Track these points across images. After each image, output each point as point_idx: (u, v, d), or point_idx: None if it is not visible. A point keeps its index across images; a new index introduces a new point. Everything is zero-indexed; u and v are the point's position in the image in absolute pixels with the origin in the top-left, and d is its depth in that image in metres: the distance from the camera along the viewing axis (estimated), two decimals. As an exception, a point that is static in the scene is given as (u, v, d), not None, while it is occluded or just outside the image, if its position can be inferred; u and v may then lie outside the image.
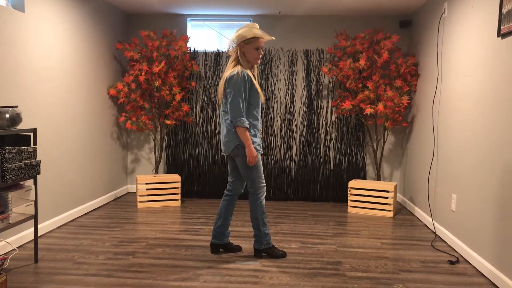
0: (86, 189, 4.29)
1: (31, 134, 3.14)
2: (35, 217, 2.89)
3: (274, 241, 3.48)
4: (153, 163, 5.30)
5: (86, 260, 2.99)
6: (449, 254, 3.28)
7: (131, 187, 5.38)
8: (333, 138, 5.10)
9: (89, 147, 4.33)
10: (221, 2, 4.52)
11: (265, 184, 3.06)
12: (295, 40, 5.08)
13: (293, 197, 5.12)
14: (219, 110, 5.13)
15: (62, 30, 3.77)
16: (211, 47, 5.18)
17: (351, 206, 4.57)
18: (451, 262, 3.07)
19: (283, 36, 5.09)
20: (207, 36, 5.23)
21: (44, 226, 3.58)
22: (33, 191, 2.88)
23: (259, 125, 3.04)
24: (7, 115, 2.65)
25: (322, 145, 5.11)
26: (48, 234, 3.57)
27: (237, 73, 2.86)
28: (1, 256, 2.86)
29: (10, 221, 2.69)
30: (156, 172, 4.90)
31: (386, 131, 4.78)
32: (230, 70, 2.94)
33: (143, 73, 4.58)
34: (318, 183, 5.10)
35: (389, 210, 4.40)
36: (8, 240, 3.12)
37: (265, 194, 3.07)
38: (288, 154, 5.14)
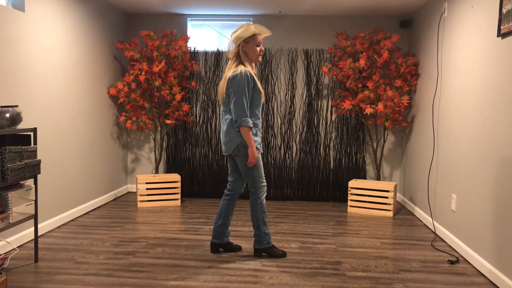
0: (86, 188, 4.29)
1: (31, 133, 3.15)
2: (35, 217, 2.89)
3: (274, 240, 3.48)
4: (153, 162, 5.30)
5: (86, 259, 3.00)
6: (449, 254, 3.28)
7: (131, 187, 5.38)
8: (333, 137, 5.10)
9: (89, 146, 4.33)
10: (221, 2, 4.52)
11: (265, 184, 3.06)
12: (295, 40, 5.09)
13: (293, 196, 5.12)
14: (219, 110, 5.14)
15: (62, 30, 3.77)
16: (211, 47, 5.18)
17: (351, 206, 4.57)
18: (451, 262, 3.08)
19: (283, 36, 5.09)
20: (207, 36, 5.23)
21: (44, 226, 3.58)
22: (33, 191, 2.88)
23: (260, 124, 3.04)
24: (7, 115, 2.65)
25: (322, 145, 5.11)
26: (48, 233, 3.57)
27: (240, 72, 2.86)
28: (1, 256, 2.86)
29: (10, 221, 2.69)
30: (156, 172, 4.91)
31: (386, 131, 4.79)
32: (232, 70, 2.94)
33: (143, 73, 4.58)
34: (318, 183, 5.11)
35: (389, 210, 4.40)
36: (8, 239, 3.12)
37: (265, 194, 3.08)
38: (288, 154, 5.14)
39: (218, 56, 5.12)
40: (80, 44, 4.09)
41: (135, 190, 5.35)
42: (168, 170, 5.22)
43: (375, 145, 4.98)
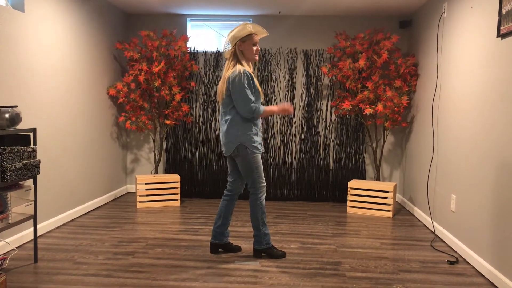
0: (85, 189, 4.29)
1: (31, 134, 3.14)
2: (34, 217, 2.89)
3: (274, 241, 3.48)
4: (153, 163, 5.30)
5: (86, 260, 2.99)
6: (449, 254, 3.28)
7: (130, 187, 5.38)
8: (333, 138, 5.10)
9: (88, 147, 4.33)
10: (221, 2, 4.52)
11: (265, 184, 3.06)
12: (294, 40, 5.09)
13: (293, 197, 5.12)
14: (218, 110, 5.13)
15: (62, 30, 3.77)
16: (211, 47, 5.18)
17: (350, 206, 4.57)
18: (451, 262, 3.08)
19: (283, 36, 5.09)
20: (206, 36, 5.23)
21: (44, 226, 3.58)
22: (32, 191, 2.88)
23: (260, 124, 3.05)
24: (7, 115, 2.64)
25: (322, 145, 5.11)
26: (48, 234, 3.57)
27: (239, 72, 2.87)
28: (0, 256, 2.86)
29: (10, 221, 2.69)
30: (156, 172, 4.90)
31: (385, 131, 4.79)
32: (230, 70, 2.94)
33: (142, 73, 4.58)
34: (317, 183, 5.11)
35: (389, 210, 4.40)
36: (8, 240, 3.12)
37: (265, 194, 3.08)
38: (288, 154, 5.14)
39: (217, 57, 5.12)
40: (79, 44, 4.09)
41: (134, 191, 5.35)
42: (167, 171, 5.22)
43: (374, 145, 4.98)
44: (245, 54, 2.97)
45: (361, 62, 4.49)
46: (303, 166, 5.11)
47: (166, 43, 4.68)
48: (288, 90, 5.10)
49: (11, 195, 2.70)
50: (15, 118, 2.71)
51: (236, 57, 2.96)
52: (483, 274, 2.87)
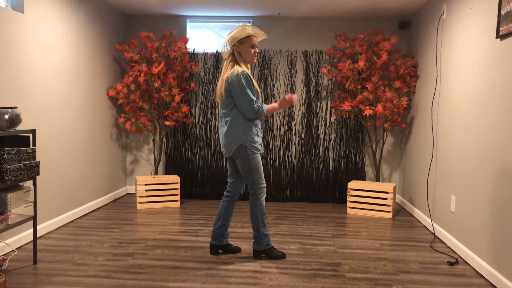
0: (85, 190, 4.29)
1: (30, 135, 3.14)
2: (34, 218, 2.88)
3: (274, 242, 3.48)
4: (153, 164, 5.30)
5: (85, 261, 2.99)
6: (448, 255, 3.28)
7: (130, 188, 5.37)
8: (332, 139, 5.11)
9: (88, 148, 4.33)
10: (221, 4, 4.52)
11: (265, 185, 3.06)
12: (294, 41, 5.09)
13: (293, 198, 5.12)
14: (218, 111, 5.14)
15: (61, 31, 3.77)
16: (211, 48, 5.19)
17: (350, 207, 4.57)
18: (450, 263, 3.08)
19: (283, 37, 5.09)
20: (206, 37, 5.24)
21: (43, 227, 3.57)
22: (32, 192, 2.88)
23: (260, 125, 3.05)
24: (6, 116, 2.65)
25: (321, 146, 5.11)
26: (47, 235, 3.56)
27: (238, 73, 2.88)
28: (0, 257, 2.86)
29: (9, 222, 2.69)
30: (156, 173, 4.90)
31: (385, 132, 4.79)
32: (229, 71, 2.95)
33: (142, 74, 4.58)
34: (317, 184, 5.11)
35: (388, 211, 4.40)
36: (7, 241, 3.12)
37: (265, 195, 3.08)
38: (288, 155, 5.14)
39: (217, 58, 5.13)
40: (79, 46, 4.09)
41: (134, 192, 5.35)
42: (167, 172, 5.22)
43: (374, 146, 4.99)
44: (243, 56, 2.97)
45: (361, 63, 4.49)
46: (302, 167, 5.11)
47: (166, 44, 4.69)
48: (287, 91, 5.10)
49: (11, 196, 2.70)
50: (15, 119, 2.71)
51: (234, 58, 2.97)
52: (483, 275, 2.87)
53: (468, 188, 3.18)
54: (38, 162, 2.85)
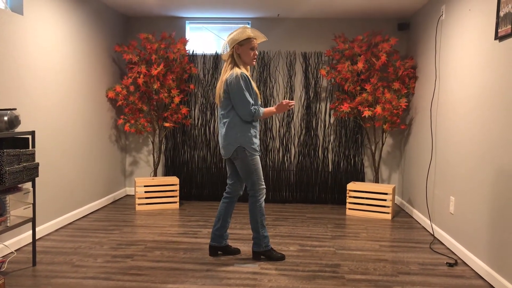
0: (84, 191, 4.29)
1: (30, 136, 3.14)
2: (33, 220, 2.88)
3: (273, 243, 3.48)
4: (152, 165, 5.30)
5: (85, 263, 2.99)
6: (448, 256, 3.28)
7: (129, 190, 5.37)
8: (332, 140, 5.11)
9: (87, 149, 4.33)
10: (220, 5, 4.52)
11: (264, 186, 3.06)
12: (293, 43, 5.10)
13: (292, 199, 5.12)
14: (217, 112, 5.14)
15: (60, 33, 3.77)
16: (210, 50, 5.19)
17: (349, 209, 4.57)
18: (450, 265, 3.08)
19: (282, 39, 5.10)
20: (205, 38, 5.24)
21: (42, 229, 3.57)
22: (31, 194, 2.88)
23: (258, 126, 3.05)
24: (6, 118, 2.64)
25: (321, 148, 5.11)
26: (46, 237, 3.56)
27: (237, 75, 2.89)
28: (-1, 259, 2.85)
29: (8, 224, 2.68)
30: (155, 175, 4.90)
31: (384, 133, 4.79)
32: (228, 72, 2.95)
33: (141, 76, 4.58)
34: (316, 185, 5.11)
35: (388, 213, 4.40)
36: (6, 243, 3.11)
37: (264, 197, 3.08)
38: (287, 157, 5.14)
39: (216, 59, 5.13)
40: (78, 47, 4.09)
41: (133, 193, 5.34)
42: (166, 173, 5.21)
43: (373, 147, 4.99)
44: (242, 58, 2.98)
45: (360, 65, 4.50)
46: (302, 169, 5.11)
47: (165, 46, 4.69)
48: (287, 92, 5.10)
49: (10, 198, 2.70)
50: (14, 121, 2.70)
51: (234, 60, 2.97)
52: (482, 276, 2.87)
53: (467, 189, 3.18)
54: (37, 164, 2.84)
